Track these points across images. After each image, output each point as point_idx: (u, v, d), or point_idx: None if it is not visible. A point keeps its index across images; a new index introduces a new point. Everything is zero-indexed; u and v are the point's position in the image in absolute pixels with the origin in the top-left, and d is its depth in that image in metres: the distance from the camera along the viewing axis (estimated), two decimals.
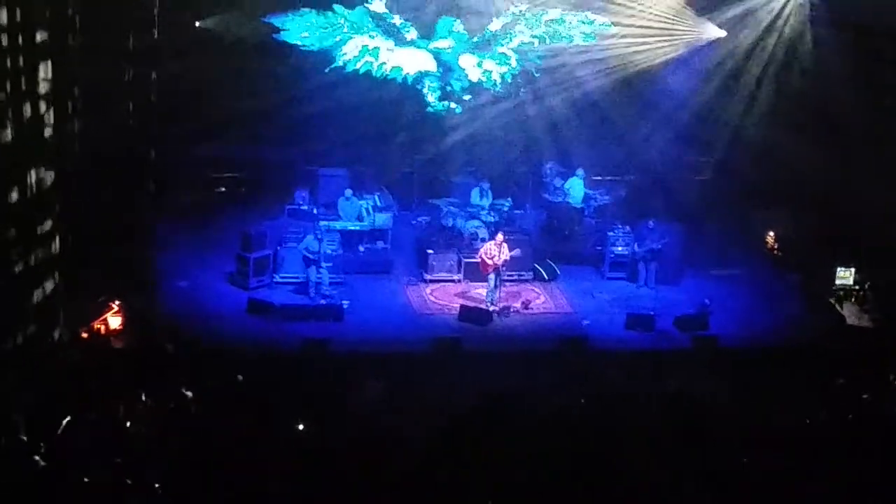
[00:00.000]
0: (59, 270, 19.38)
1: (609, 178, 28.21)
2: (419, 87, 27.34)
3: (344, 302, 22.63)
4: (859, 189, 24.15)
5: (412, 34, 27.03)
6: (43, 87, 18.39)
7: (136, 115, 21.21)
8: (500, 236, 23.18)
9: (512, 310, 23.05)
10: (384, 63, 26.92)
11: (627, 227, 25.16)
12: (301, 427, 15.02)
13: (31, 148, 18.30)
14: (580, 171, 26.65)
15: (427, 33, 27.13)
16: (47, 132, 18.60)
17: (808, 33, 26.84)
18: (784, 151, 26.22)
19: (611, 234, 25.15)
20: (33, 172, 18.37)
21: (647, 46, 27.46)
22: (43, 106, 18.49)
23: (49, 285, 19.25)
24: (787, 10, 27.24)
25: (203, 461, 13.91)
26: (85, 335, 19.99)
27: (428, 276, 24.26)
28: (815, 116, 25.72)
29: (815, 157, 25.24)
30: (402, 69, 27.10)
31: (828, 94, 25.53)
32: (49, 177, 18.81)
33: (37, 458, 13.91)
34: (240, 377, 16.38)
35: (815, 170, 25.23)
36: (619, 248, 24.91)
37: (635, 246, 24.47)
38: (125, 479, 13.30)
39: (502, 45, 27.41)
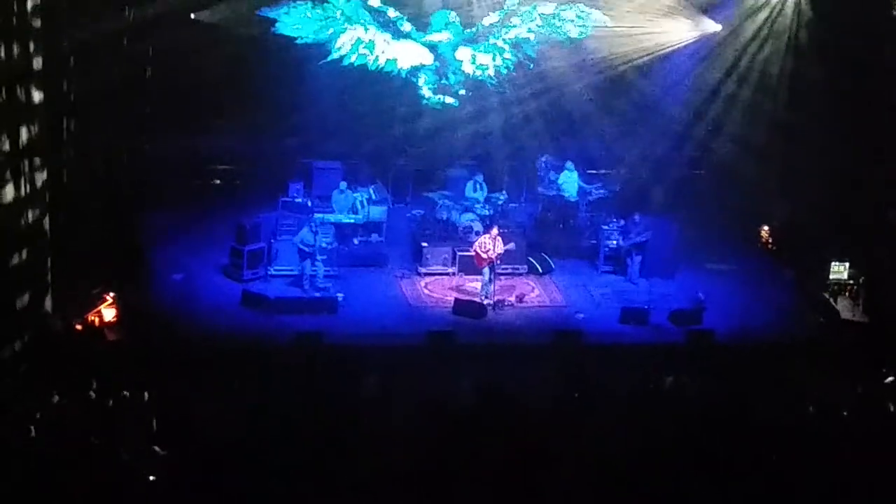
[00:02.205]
0: (52, 262, 19.36)
1: (604, 171, 28.21)
2: (414, 80, 27.33)
3: (338, 295, 22.59)
4: (853, 183, 24.13)
5: (407, 27, 27.00)
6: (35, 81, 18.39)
7: (131, 107, 21.15)
8: (494, 230, 23.15)
9: (506, 303, 23.02)
10: (379, 56, 26.90)
11: (622, 221, 25.10)
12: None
13: (22, 139, 18.30)
14: (569, 164, 26.55)
15: (423, 26, 27.10)
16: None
17: (800, 33, 26.83)
18: (778, 146, 26.27)
19: (605, 227, 25.10)
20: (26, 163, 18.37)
21: (643, 41, 27.44)
22: (36, 98, 18.45)
23: (42, 278, 19.25)
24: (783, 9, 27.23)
25: (196, 455, 13.93)
26: (79, 327, 19.95)
27: (422, 270, 24.22)
28: (807, 112, 25.68)
29: (808, 152, 25.30)
30: (397, 62, 27.10)
31: (817, 90, 25.54)
32: (41, 164, 18.81)
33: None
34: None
35: (809, 164, 25.27)
36: (613, 242, 24.87)
37: (621, 240, 24.52)
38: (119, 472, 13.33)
39: (497, 38, 27.40)
